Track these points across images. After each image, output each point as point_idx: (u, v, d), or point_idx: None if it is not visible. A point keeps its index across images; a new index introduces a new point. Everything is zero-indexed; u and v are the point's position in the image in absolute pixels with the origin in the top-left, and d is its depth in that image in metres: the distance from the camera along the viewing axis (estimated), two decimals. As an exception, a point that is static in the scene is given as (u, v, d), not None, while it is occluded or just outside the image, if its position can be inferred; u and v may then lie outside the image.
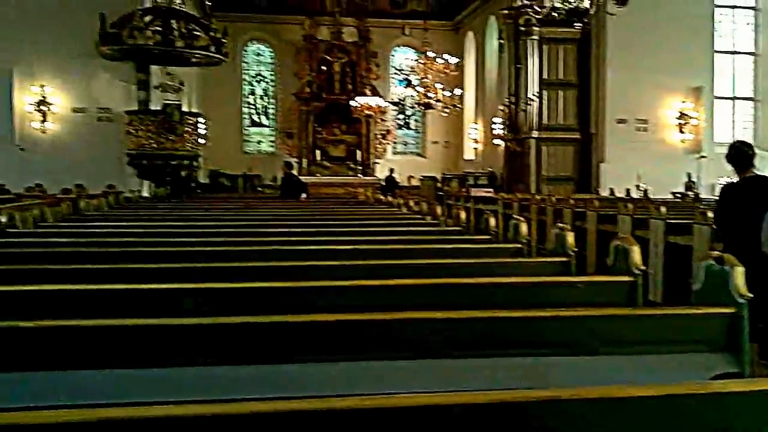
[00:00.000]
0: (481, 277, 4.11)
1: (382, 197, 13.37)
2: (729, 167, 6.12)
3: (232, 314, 2.89)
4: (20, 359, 2.61)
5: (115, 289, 3.55)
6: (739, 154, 6.02)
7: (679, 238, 8.22)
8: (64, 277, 3.97)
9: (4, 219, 6.34)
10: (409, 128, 30.19)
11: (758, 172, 6.05)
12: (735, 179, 6.13)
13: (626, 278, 3.92)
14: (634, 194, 15.45)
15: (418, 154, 29.80)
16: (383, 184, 23.47)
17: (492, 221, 6.35)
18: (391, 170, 24.38)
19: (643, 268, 3.94)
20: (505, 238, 6.12)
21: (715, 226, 6.48)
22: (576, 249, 4.78)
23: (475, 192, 17.74)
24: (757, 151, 6.17)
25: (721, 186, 6.45)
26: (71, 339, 2.68)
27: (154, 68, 16.30)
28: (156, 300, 3.50)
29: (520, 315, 2.97)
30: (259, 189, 24.31)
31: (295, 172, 17.27)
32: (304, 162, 26.80)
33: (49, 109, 16.16)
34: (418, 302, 3.56)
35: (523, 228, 5.55)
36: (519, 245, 5.44)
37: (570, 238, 4.78)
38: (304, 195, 15.19)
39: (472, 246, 5.83)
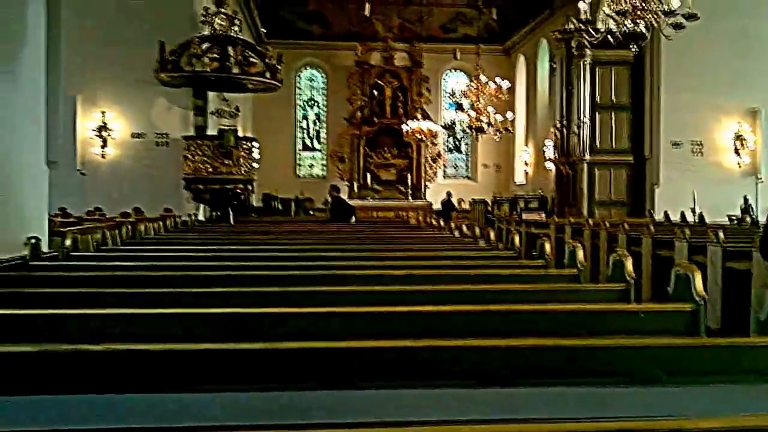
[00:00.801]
0: (539, 303, 4.07)
1: (438, 222, 13.34)
2: None
3: (294, 340, 2.90)
4: (84, 382, 2.65)
5: (173, 313, 3.60)
6: None
7: (737, 263, 8.04)
8: (126, 301, 4.04)
9: (68, 242, 6.49)
10: (459, 152, 30.16)
11: None
12: None
13: (688, 306, 3.84)
14: (689, 218, 15.18)
15: (469, 178, 29.73)
16: (440, 207, 23.43)
17: (547, 246, 6.28)
18: (449, 193, 24.29)
19: (704, 295, 3.86)
20: (559, 263, 6.06)
21: (761, 246, 6.29)
22: (634, 276, 4.70)
23: (527, 216, 17.63)
24: None
25: None
26: (137, 362, 2.72)
27: (210, 94, 16.60)
28: (215, 324, 3.54)
29: (583, 344, 2.93)
30: (311, 212, 24.49)
31: (343, 195, 17.36)
32: (355, 185, 26.94)
33: (109, 135, 16.54)
34: (476, 328, 3.54)
35: (580, 254, 5.48)
36: (576, 271, 5.37)
37: (629, 264, 4.70)
38: (353, 219, 15.25)
39: (528, 272, 5.77)
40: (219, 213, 14.83)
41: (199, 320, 3.51)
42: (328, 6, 27.48)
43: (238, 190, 15.03)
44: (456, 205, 26.66)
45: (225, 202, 15.12)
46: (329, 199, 16.68)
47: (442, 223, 11.09)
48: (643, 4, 10.22)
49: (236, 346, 2.79)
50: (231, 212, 14.66)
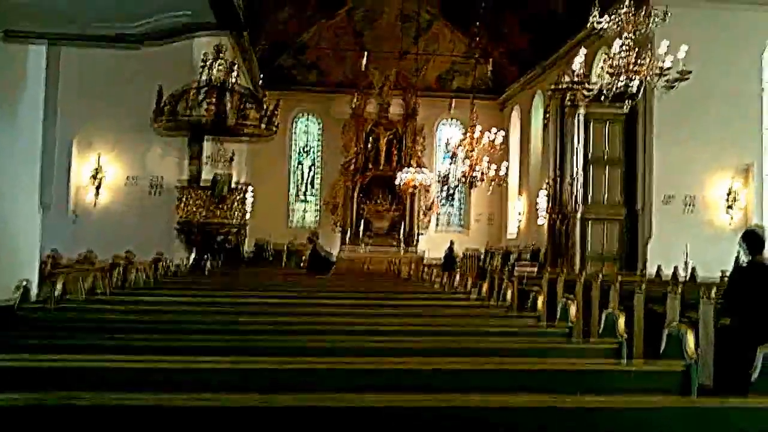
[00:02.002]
0: (531, 360, 4.06)
1: (430, 274, 13.29)
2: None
3: (285, 393, 2.89)
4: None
5: (162, 367, 3.58)
6: (754, 237, 6.56)
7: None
8: (115, 350, 4.03)
9: (59, 287, 6.46)
10: (452, 202, 30.27)
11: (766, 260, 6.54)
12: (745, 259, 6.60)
13: (680, 365, 3.85)
14: (682, 273, 15.19)
15: (461, 227, 29.78)
16: (441, 259, 23.34)
17: (540, 301, 6.29)
18: (451, 243, 24.23)
19: (696, 355, 3.87)
20: (551, 317, 6.06)
21: (724, 303, 6.95)
22: (627, 332, 4.70)
23: (519, 268, 17.63)
24: None
25: (733, 268, 6.97)
26: (127, 414, 2.70)
27: (206, 140, 16.69)
28: (206, 376, 3.52)
29: (575, 403, 2.92)
30: (303, 261, 24.39)
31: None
32: (348, 234, 26.96)
33: (103, 179, 16.57)
34: (467, 385, 3.54)
35: (572, 309, 5.49)
36: (567, 327, 5.37)
37: (621, 321, 4.71)
38: (331, 270, 14.96)
39: (520, 327, 5.77)
40: (194, 261, 14.61)
41: (190, 372, 3.49)
42: (325, 56, 27.81)
43: (221, 237, 14.97)
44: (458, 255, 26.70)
45: (206, 248, 15.03)
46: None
47: (444, 278, 11.00)
48: (637, 62, 10.40)
49: (228, 400, 2.77)
50: (208, 258, 14.46)
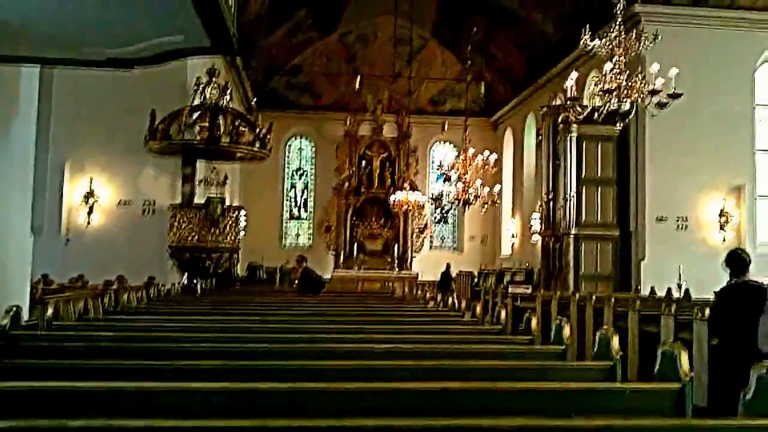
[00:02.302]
0: (525, 381, 4.06)
1: (424, 294, 13.27)
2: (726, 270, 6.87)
3: (276, 416, 2.88)
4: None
5: (153, 388, 3.56)
6: (738, 259, 6.87)
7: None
8: (106, 374, 4.01)
9: (50, 311, 6.43)
10: (446, 223, 30.30)
11: (751, 278, 6.87)
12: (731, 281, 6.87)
13: (674, 385, 3.84)
14: (675, 293, 15.20)
15: (455, 249, 29.78)
16: (438, 281, 23.29)
17: (534, 321, 6.28)
18: (448, 265, 24.23)
19: (691, 375, 3.87)
20: (545, 337, 6.05)
21: (710, 323, 7.18)
22: (621, 353, 4.70)
23: (513, 289, 17.62)
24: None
25: (719, 289, 7.06)
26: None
27: (199, 163, 16.69)
28: (198, 398, 3.50)
29: (571, 424, 2.91)
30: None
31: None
32: (341, 255, 26.96)
33: (96, 202, 16.54)
34: (462, 406, 3.52)
35: (566, 330, 5.48)
36: (562, 347, 5.36)
37: (615, 341, 4.70)
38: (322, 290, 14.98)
39: (514, 348, 5.76)
40: (185, 283, 14.58)
41: (181, 396, 3.47)
42: (318, 78, 27.92)
43: (213, 261, 14.94)
44: (452, 276, 26.66)
45: (195, 271, 15.00)
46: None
47: (438, 297, 10.98)
48: (629, 83, 10.46)
49: (225, 423, 2.76)
50: (198, 281, 14.41)
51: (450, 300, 10.29)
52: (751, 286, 6.82)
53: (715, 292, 7.36)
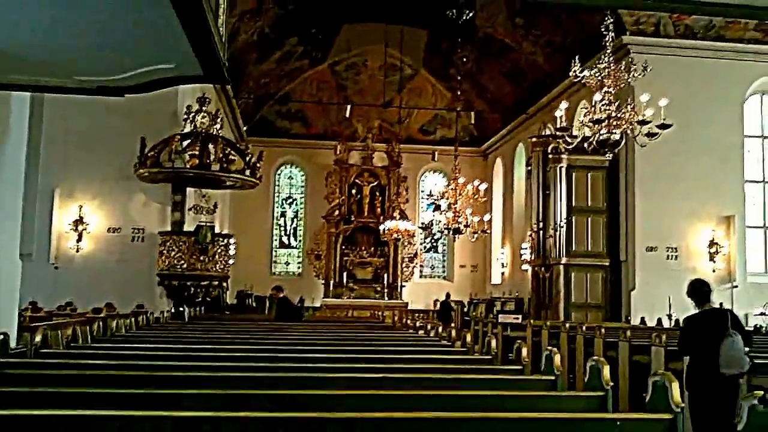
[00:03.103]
0: (515, 411, 4.04)
1: (414, 323, 13.24)
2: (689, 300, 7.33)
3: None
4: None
5: (141, 416, 3.54)
6: (697, 290, 7.25)
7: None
8: (95, 401, 3.98)
9: (38, 338, 6.39)
10: (436, 252, 30.31)
11: (714, 305, 7.25)
12: (696, 311, 7.25)
13: (665, 416, 3.84)
14: (666, 323, 15.22)
15: (445, 278, 29.77)
16: (437, 310, 23.19)
17: (524, 351, 6.27)
18: (448, 295, 24.14)
19: (682, 405, 3.87)
20: (536, 367, 6.04)
21: (678, 350, 7.49)
22: (612, 383, 4.70)
23: (503, 318, 17.60)
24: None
25: (685, 317, 7.50)
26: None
27: (189, 190, 16.70)
28: (187, 428, 3.48)
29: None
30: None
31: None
32: (331, 284, 26.91)
33: (85, 229, 16.48)
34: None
35: (557, 359, 5.48)
36: (552, 377, 5.36)
37: (606, 371, 4.71)
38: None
39: (504, 377, 5.74)
40: (174, 310, 14.56)
41: (170, 424, 3.45)
42: (309, 106, 28.03)
43: (203, 289, 14.91)
44: (431, 305, 26.64)
45: (184, 298, 14.97)
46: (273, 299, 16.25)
47: (439, 329, 10.90)
48: (618, 113, 10.55)
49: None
50: (186, 308, 14.37)
51: (452, 333, 10.22)
52: (714, 312, 7.19)
53: (682, 319, 7.71)
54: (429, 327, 11.21)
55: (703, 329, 7.08)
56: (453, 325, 18.74)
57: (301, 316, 14.92)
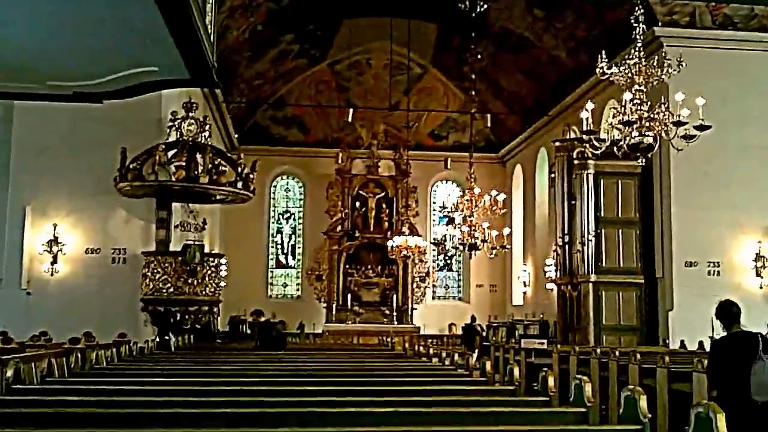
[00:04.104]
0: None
1: (427, 350, 13.19)
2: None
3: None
4: None
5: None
6: (725, 311, 7.46)
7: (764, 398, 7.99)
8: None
9: (9, 373, 6.39)
10: (450, 270, 30.27)
11: (744, 328, 7.39)
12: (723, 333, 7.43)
13: (711, 451, 3.82)
14: (708, 347, 15.11)
15: (461, 299, 29.73)
16: (461, 335, 23.13)
17: (551, 380, 6.25)
18: (473, 318, 24.10)
19: (728, 439, 3.84)
20: (563, 398, 6.02)
21: (707, 379, 7.66)
22: (649, 415, 4.68)
23: (526, 343, 17.55)
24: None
25: (712, 341, 7.83)
26: None
27: (175, 205, 16.72)
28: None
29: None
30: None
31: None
32: (333, 307, 26.87)
33: (60, 250, 16.49)
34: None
35: (588, 389, 5.46)
36: (583, 409, 5.33)
37: (643, 401, 4.69)
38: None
39: (528, 409, 5.72)
40: (159, 339, 14.53)
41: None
42: (307, 110, 28.06)
43: (191, 315, 14.90)
44: (446, 330, 26.57)
45: (171, 326, 14.95)
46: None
47: (463, 359, 10.84)
48: (651, 114, 10.52)
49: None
50: (172, 337, 14.35)
51: (470, 360, 10.11)
52: (744, 335, 7.30)
53: (710, 344, 7.82)
54: (444, 354, 11.18)
55: (732, 354, 7.18)
56: (477, 351, 18.65)
57: (285, 343, 14.89)
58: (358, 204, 27.65)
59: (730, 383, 7.01)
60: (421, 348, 14.44)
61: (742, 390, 6.80)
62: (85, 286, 16.32)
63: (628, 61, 10.96)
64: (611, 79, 11.18)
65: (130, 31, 4.33)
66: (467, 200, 19.75)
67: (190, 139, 15.12)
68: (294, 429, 4.60)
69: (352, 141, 28.31)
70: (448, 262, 30.15)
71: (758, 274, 17.68)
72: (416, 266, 27.67)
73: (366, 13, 23.75)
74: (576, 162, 18.62)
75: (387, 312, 26.89)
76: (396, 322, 26.29)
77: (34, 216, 16.59)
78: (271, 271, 29.46)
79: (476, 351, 18.01)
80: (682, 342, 15.73)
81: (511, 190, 27.79)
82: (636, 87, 10.78)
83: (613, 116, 10.88)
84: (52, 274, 16.51)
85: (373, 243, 27.22)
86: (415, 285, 27.69)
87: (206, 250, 16.97)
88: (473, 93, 22.74)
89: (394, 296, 27.04)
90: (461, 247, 20.43)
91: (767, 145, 17.78)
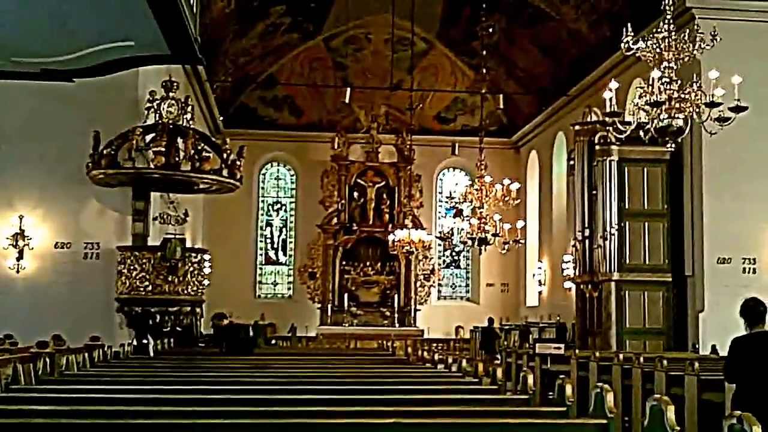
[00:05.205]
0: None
1: (432, 355, 13.22)
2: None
3: None
4: None
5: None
6: (751, 309, 7.69)
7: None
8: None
9: (-30, 380, 6.40)
10: (458, 267, 30.28)
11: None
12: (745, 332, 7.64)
13: (745, 466, 3.83)
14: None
15: (469, 299, 29.76)
16: (478, 338, 23.15)
17: (568, 389, 6.26)
18: (491, 320, 24.12)
19: (765, 454, 3.85)
20: (582, 408, 6.02)
21: (724, 376, 7.98)
22: (677, 427, 4.69)
23: (541, 348, 17.58)
24: None
25: (732, 339, 7.78)
26: None
27: (154, 196, 16.71)
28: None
29: None
30: (273, 342, 24.31)
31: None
32: (329, 308, 26.87)
33: (27, 245, 16.49)
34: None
35: (609, 398, 5.47)
36: (604, 421, 5.35)
37: (670, 412, 4.70)
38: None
39: (544, 421, 5.73)
40: (136, 343, 14.56)
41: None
42: (299, 90, 28.04)
43: (171, 316, 14.92)
44: (453, 333, 26.61)
45: (152, 330, 14.96)
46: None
47: (482, 360, 10.86)
48: (681, 94, 10.50)
49: None
50: (151, 341, 14.37)
51: (479, 367, 10.10)
52: (766, 334, 7.57)
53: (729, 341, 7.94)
54: (450, 360, 11.19)
55: (751, 353, 7.44)
56: (497, 356, 18.69)
57: (254, 347, 14.92)
58: (356, 194, 27.68)
59: (749, 384, 7.28)
60: (425, 353, 14.48)
61: (761, 391, 7.06)
62: (55, 285, 16.32)
63: (656, 35, 10.92)
64: (637, 55, 11.15)
65: (102, 0, 4.31)
66: (477, 190, 19.75)
67: (170, 121, 15.11)
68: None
69: (349, 124, 28.29)
70: (456, 258, 30.21)
71: (799, 273, 17.68)
72: (420, 263, 27.68)
73: (365, -19, 23.76)
74: (597, 148, 18.58)
75: (387, 313, 26.93)
76: (397, 325, 26.32)
77: (-3, 209, 16.62)
78: (260, 269, 29.50)
79: (497, 356, 18.03)
80: (713, 347, 15.74)
81: (525, 178, 27.79)
82: (665, 64, 10.75)
83: (640, 96, 10.86)
84: (17, 271, 16.51)
85: (373, 237, 27.24)
86: (418, 284, 27.71)
87: (188, 244, 17.01)
88: (484, 71, 22.71)
89: (396, 296, 27.06)
90: (470, 242, 20.43)
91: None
